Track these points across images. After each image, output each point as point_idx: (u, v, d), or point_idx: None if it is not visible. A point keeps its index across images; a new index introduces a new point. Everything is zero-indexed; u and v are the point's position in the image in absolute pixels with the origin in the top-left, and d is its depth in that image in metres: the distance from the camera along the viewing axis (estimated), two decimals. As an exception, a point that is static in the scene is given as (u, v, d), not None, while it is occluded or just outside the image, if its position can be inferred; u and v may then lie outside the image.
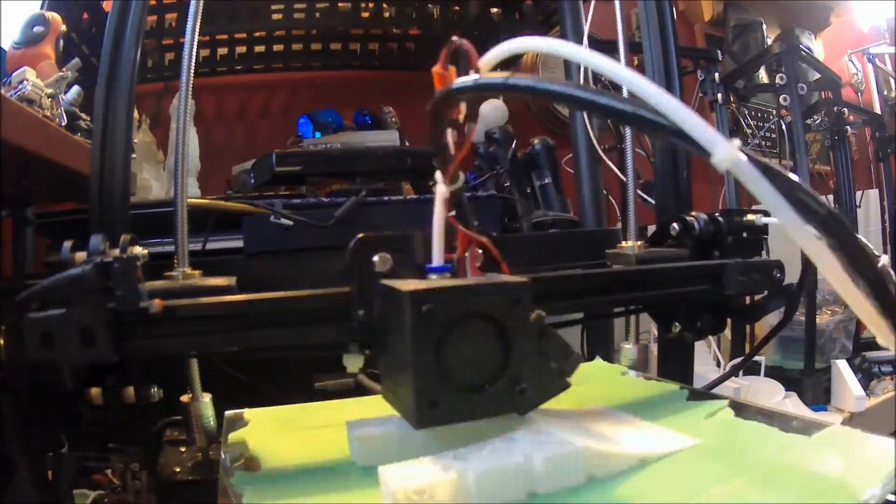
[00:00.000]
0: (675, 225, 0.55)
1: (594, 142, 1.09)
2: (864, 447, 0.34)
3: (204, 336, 0.31)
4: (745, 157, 0.22)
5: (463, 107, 0.33)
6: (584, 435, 0.34)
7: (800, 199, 0.21)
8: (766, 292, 0.52)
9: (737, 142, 0.22)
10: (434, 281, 0.33)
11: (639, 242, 0.59)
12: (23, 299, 0.26)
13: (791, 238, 0.22)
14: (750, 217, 0.53)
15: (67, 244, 0.31)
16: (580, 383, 0.35)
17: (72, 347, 0.28)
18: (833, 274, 0.22)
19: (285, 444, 0.40)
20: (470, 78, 0.30)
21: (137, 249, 0.31)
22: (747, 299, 0.54)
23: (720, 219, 0.54)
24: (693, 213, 0.54)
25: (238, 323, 0.32)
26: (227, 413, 0.47)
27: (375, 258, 0.34)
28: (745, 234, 0.53)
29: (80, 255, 0.31)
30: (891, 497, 0.28)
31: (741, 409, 0.41)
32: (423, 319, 0.29)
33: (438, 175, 0.34)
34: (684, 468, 0.33)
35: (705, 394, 0.46)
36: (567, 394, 0.35)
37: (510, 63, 0.35)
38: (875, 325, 0.23)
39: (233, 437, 0.42)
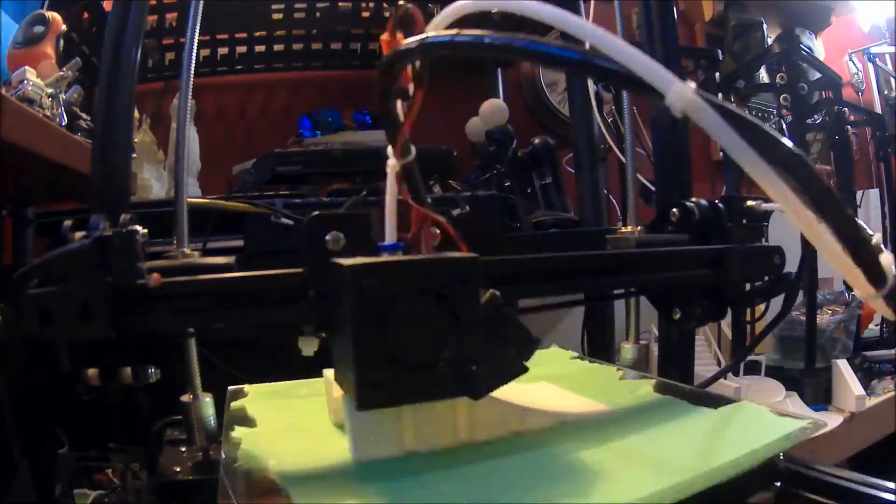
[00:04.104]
0: (675, 211, 0.55)
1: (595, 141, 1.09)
2: (760, 418, 0.38)
3: (201, 313, 0.31)
4: (700, 98, 0.21)
5: (410, 74, 0.32)
6: (510, 396, 0.37)
7: (762, 141, 0.21)
8: (765, 279, 0.52)
9: (692, 83, 0.21)
10: (380, 257, 0.32)
11: (639, 228, 0.59)
12: (21, 275, 0.26)
13: (758, 183, 0.21)
14: (750, 203, 0.53)
15: (68, 223, 0.31)
16: (530, 365, 0.37)
17: (70, 323, 0.28)
18: (801, 218, 0.21)
19: (279, 410, 0.46)
20: (414, 39, 0.29)
21: (137, 227, 0.30)
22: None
23: (720, 205, 0.53)
24: (693, 199, 0.54)
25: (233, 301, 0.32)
26: (230, 388, 0.52)
27: (328, 237, 0.33)
28: (745, 221, 0.52)
29: (80, 234, 0.30)
30: None
31: (666, 388, 0.46)
32: (364, 295, 0.28)
33: (389, 149, 0.32)
34: (594, 428, 0.39)
35: (692, 390, 0.48)
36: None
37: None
38: (850, 273, 0.22)
39: (234, 405, 0.47)
